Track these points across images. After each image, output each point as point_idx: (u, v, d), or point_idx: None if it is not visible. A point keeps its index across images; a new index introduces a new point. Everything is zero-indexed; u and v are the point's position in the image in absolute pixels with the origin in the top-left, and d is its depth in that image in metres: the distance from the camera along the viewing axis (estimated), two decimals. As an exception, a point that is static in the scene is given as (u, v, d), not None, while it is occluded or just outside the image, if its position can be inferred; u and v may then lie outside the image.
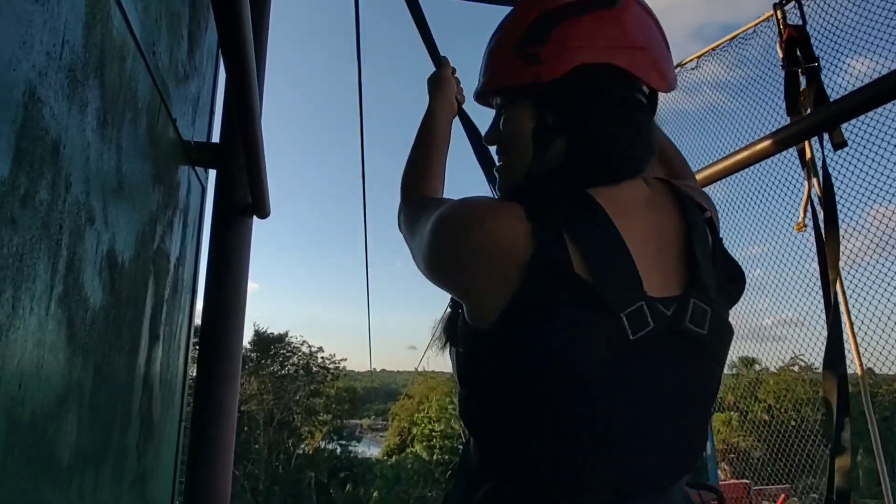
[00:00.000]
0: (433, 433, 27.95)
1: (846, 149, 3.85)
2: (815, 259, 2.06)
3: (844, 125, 2.16)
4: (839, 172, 3.94)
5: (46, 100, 1.02)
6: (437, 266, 0.89)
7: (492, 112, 1.05)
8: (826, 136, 2.15)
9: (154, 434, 2.02)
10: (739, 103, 5.58)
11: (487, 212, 0.81)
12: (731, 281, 0.93)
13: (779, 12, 2.60)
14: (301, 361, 30.41)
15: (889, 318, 4.08)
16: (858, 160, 3.89)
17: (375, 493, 26.60)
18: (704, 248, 0.90)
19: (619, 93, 0.89)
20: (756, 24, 5.00)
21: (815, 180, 2.41)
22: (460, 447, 1.01)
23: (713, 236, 0.94)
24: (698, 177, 2.47)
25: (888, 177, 3.79)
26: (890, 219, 4.10)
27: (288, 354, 30.31)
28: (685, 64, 5.71)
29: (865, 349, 4.21)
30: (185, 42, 2.11)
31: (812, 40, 2.41)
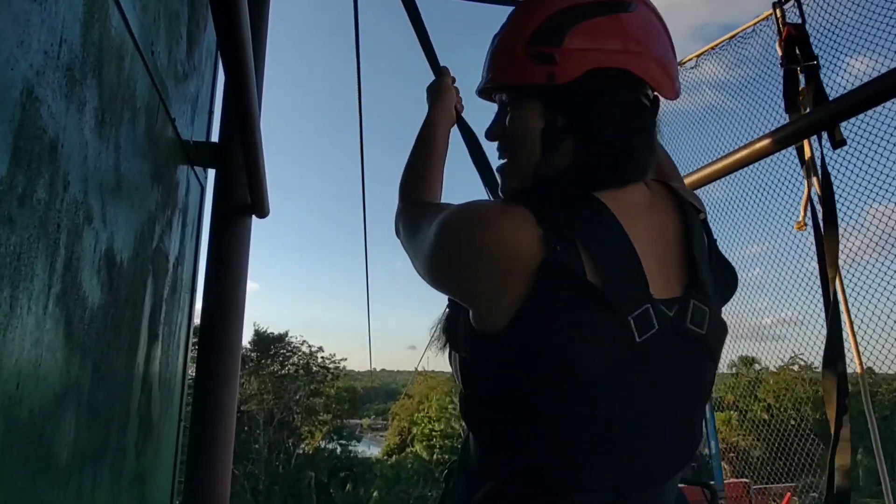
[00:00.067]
0: (433, 433, 27.95)
1: (847, 148, 3.86)
2: (815, 258, 2.07)
3: (844, 123, 2.16)
4: (839, 171, 3.95)
5: (44, 99, 1.02)
6: (442, 270, 0.88)
7: (489, 110, 1.05)
8: (825, 135, 2.15)
9: (153, 433, 2.02)
10: (739, 102, 5.59)
11: (497, 216, 0.81)
12: (725, 281, 0.96)
13: (778, 11, 2.60)
14: (301, 361, 30.42)
15: (889, 316, 4.08)
16: (859, 159, 3.90)
17: (375, 493, 26.61)
18: (702, 249, 0.91)
19: (628, 96, 0.89)
20: (755, 23, 5.01)
21: (814, 179, 2.41)
22: (460, 447, 1.01)
23: (708, 237, 0.96)
24: (698, 175, 2.47)
25: (888, 175, 3.80)
26: (890, 217, 4.10)
27: (288, 354, 30.32)
28: (685, 63, 5.72)
29: (865, 347, 4.22)
30: (184, 41, 2.11)
31: (811, 39, 2.42)
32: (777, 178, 4.99)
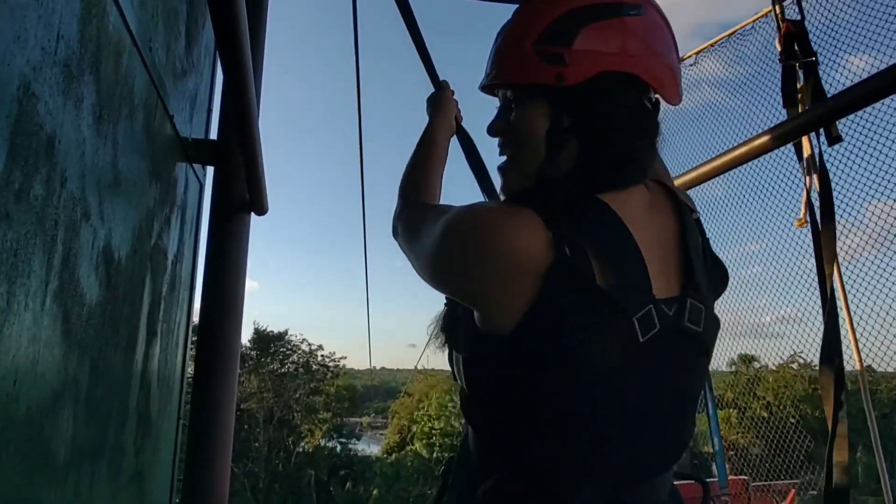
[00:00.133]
0: (433, 431, 27.94)
1: (848, 145, 3.86)
2: (814, 255, 2.07)
3: (843, 121, 2.16)
4: (840, 168, 3.95)
5: (41, 95, 1.02)
6: (447, 272, 0.88)
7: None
8: (823, 132, 2.15)
9: (152, 431, 2.02)
10: (738, 99, 5.59)
11: (505, 219, 0.80)
12: (718, 279, 0.97)
13: (777, 7, 2.60)
14: (301, 359, 30.39)
15: (888, 313, 4.08)
16: (858, 156, 3.90)
17: (375, 491, 26.61)
18: (696, 249, 0.93)
19: (633, 99, 0.90)
20: (754, 20, 5.01)
21: (814, 175, 2.41)
22: (459, 443, 1.02)
23: (702, 237, 0.97)
24: (696, 173, 2.47)
25: (887, 172, 3.80)
26: (889, 214, 4.10)
27: (288, 353, 30.29)
28: (684, 59, 5.71)
29: (864, 345, 4.22)
30: (183, 38, 2.11)
31: (810, 36, 2.42)
32: (776, 175, 4.99)
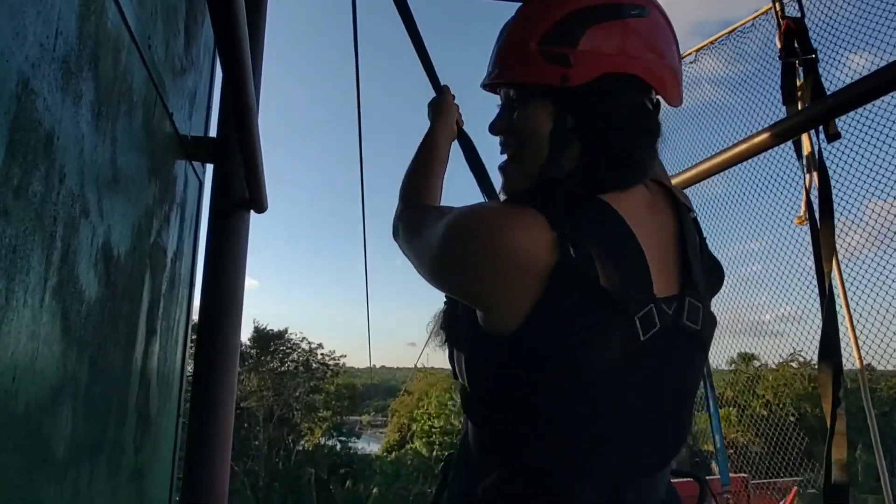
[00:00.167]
0: (433, 429, 27.95)
1: (848, 144, 3.86)
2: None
3: (846, 118, 2.16)
4: (840, 167, 3.95)
5: (40, 91, 1.01)
6: (451, 272, 0.88)
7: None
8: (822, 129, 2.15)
9: (151, 429, 2.02)
10: (737, 96, 5.59)
11: (510, 219, 0.81)
12: (714, 277, 0.98)
13: (777, 4, 2.60)
14: (301, 358, 30.39)
15: (888, 310, 4.08)
16: (859, 154, 3.90)
17: (375, 490, 26.61)
18: (694, 248, 0.93)
19: (635, 100, 0.90)
20: (755, 17, 5.01)
21: (814, 173, 2.41)
22: (458, 439, 1.02)
23: (699, 235, 0.98)
24: (696, 171, 2.47)
25: (887, 169, 3.80)
26: (889, 212, 4.10)
27: (287, 351, 30.28)
28: (684, 57, 5.71)
29: (864, 343, 4.22)
30: (182, 36, 2.10)
31: (810, 33, 2.42)
32: (776, 174, 4.99)
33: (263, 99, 2.60)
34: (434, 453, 26.44)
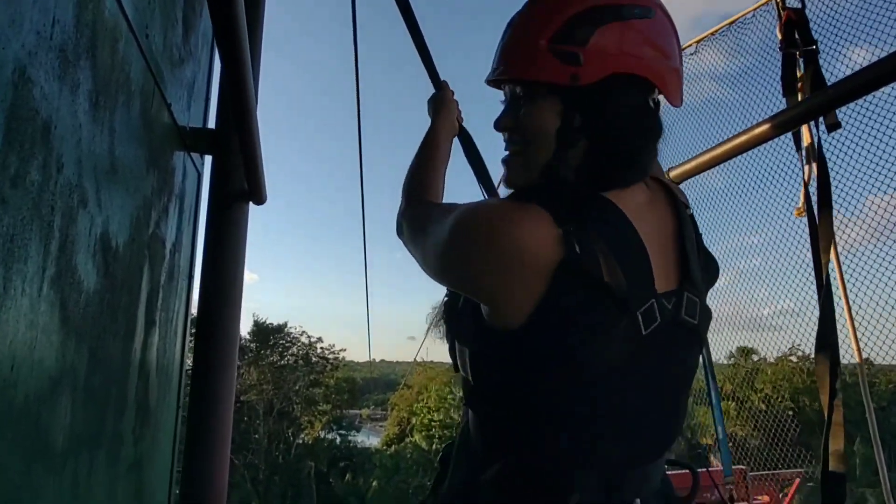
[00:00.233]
0: (432, 423, 28.04)
1: (848, 137, 3.85)
2: (815, 246, 2.06)
3: (845, 110, 2.16)
4: (840, 161, 3.94)
5: (37, 80, 1.01)
6: (457, 268, 0.88)
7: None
8: (822, 120, 2.15)
9: (150, 420, 2.02)
10: (737, 88, 5.57)
11: (516, 215, 0.81)
12: (710, 272, 1.00)
13: (778, -5, 2.59)
14: (300, 352, 30.43)
15: (887, 305, 4.08)
16: (860, 146, 3.89)
17: (375, 483, 26.72)
18: (692, 244, 0.95)
19: (640, 100, 0.91)
20: (755, 9, 5.00)
21: (813, 165, 2.41)
22: (459, 430, 1.03)
23: (695, 231, 1.00)
24: (696, 162, 2.47)
25: (888, 162, 3.79)
26: (889, 204, 4.09)
27: (287, 345, 30.31)
28: (684, 49, 5.69)
29: (863, 337, 4.22)
30: (180, 26, 2.09)
31: (810, 25, 2.41)
32: (776, 167, 4.98)
33: (262, 90, 2.59)
34: (433, 447, 26.53)
